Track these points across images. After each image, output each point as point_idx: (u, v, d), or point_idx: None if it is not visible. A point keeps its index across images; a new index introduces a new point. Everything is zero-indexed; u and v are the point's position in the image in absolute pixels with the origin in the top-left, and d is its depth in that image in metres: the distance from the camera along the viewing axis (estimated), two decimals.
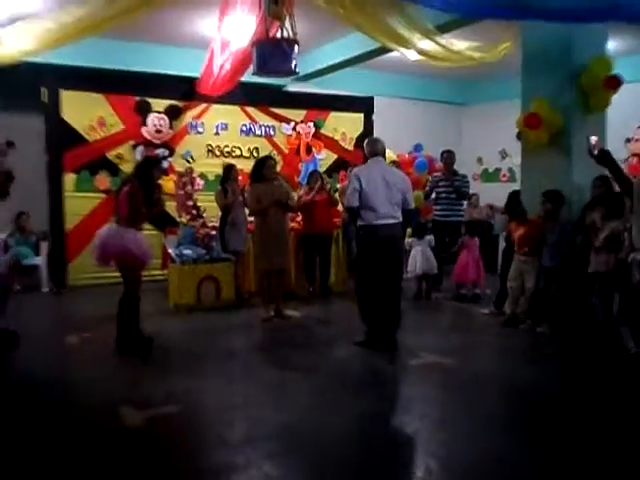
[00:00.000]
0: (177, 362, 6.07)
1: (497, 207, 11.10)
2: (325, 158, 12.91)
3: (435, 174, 10.21)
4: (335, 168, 12.79)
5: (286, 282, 8.20)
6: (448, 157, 9.56)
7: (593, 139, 6.11)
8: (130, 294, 6.30)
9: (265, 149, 11.99)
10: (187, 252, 8.59)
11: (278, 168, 8.87)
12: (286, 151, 12.48)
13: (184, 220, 9.16)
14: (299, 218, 9.58)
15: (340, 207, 9.04)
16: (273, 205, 7.67)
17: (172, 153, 11.41)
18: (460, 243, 9.08)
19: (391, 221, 6.22)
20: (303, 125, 12.61)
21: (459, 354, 6.20)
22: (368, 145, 6.53)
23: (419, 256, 9.18)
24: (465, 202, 10.21)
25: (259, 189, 7.76)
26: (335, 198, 9.34)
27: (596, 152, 6.02)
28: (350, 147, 12.99)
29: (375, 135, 9.97)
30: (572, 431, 4.26)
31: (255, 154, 11.76)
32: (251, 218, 8.27)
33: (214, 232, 8.93)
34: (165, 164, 10.71)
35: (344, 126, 12.96)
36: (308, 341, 6.81)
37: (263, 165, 7.82)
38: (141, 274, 6.35)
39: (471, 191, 10.44)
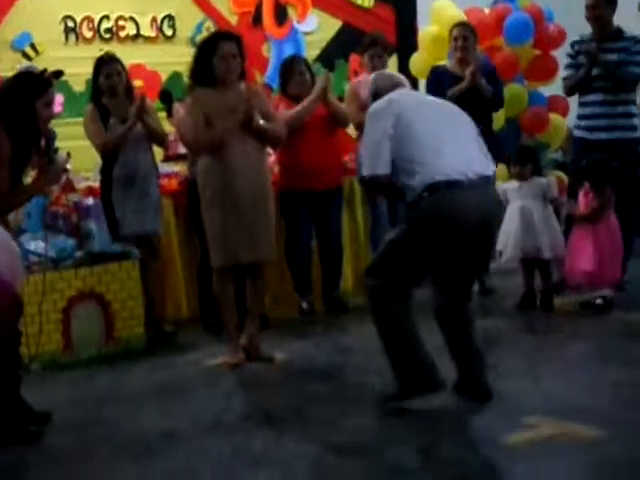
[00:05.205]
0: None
1: None
2: (317, 30, 9.72)
3: (579, 39, 7.27)
4: (340, 50, 9.83)
5: (264, 291, 5.85)
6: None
7: None
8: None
9: (187, 17, 9.06)
10: (37, 245, 6.27)
11: None
12: (232, 20, 9.36)
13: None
14: (271, 159, 6.95)
15: (352, 129, 6.92)
16: (238, 130, 5.37)
17: None
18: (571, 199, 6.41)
19: (486, 173, 4.15)
20: None
21: (612, 421, 4.22)
22: (380, 81, 4.60)
23: (517, 220, 6.41)
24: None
25: (205, 99, 5.55)
26: (342, 112, 6.78)
27: None
28: (369, 2, 10.05)
29: None
30: None
31: (167, 31, 9.02)
32: (172, 166, 6.55)
33: (91, 201, 6.81)
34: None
35: None
36: (300, 413, 4.64)
37: (213, 50, 5.38)
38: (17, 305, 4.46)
39: None
